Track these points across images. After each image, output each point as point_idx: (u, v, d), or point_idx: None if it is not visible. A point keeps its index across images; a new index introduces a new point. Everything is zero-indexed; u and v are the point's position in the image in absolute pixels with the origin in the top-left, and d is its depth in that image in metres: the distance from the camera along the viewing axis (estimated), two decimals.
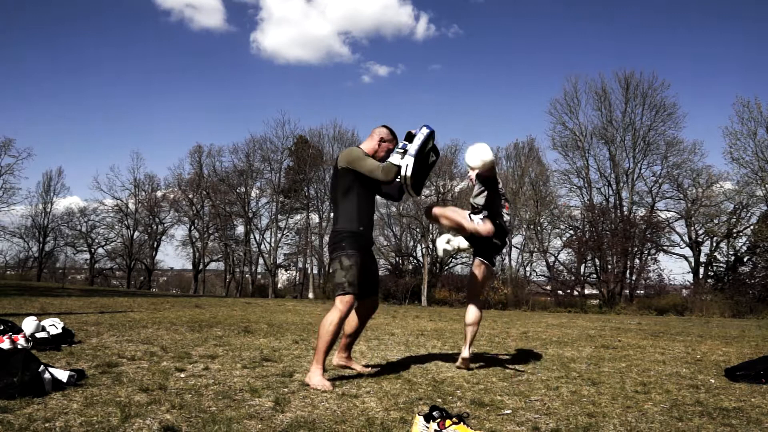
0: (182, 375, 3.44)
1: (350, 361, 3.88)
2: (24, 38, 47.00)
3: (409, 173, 3.36)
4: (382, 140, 3.71)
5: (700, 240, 27.06)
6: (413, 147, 3.40)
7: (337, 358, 3.87)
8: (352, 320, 3.79)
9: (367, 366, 3.96)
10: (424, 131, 3.45)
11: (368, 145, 3.74)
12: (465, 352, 4.07)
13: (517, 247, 30.56)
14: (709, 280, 25.97)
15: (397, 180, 3.48)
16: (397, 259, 31.78)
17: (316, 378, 3.29)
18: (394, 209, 31.03)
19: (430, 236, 30.70)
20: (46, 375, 2.80)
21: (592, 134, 28.53)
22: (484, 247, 4.20)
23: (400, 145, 3.49)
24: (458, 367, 4.11)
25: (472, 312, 4.23)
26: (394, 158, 3.43)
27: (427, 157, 3.55)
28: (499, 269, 30.49)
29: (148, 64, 50.90)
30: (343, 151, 3.67)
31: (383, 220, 31.30)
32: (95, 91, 49.66)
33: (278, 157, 33.61)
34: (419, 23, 49.43)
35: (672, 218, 27.92)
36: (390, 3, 48.57)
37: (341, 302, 3.43)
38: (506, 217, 4.25)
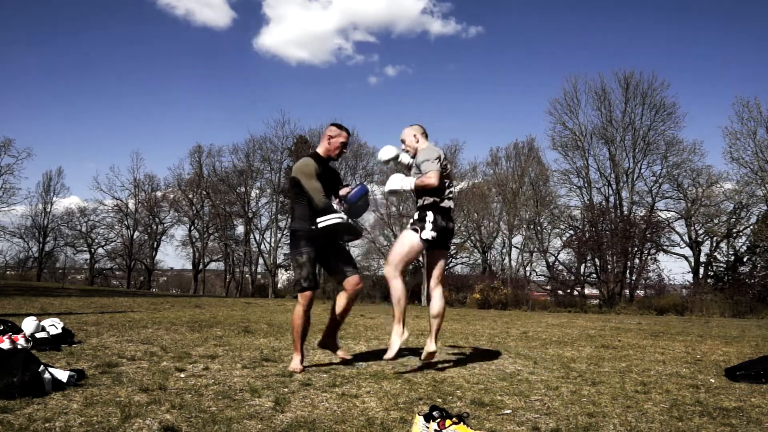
0: (182, 375, 3.44)
1: (335, 342, 4.22)
2: (24, 38, 47.03)
3: (326, 224, 3.76)
4: (330, 137, 4.01)
5: (700, 240, 27.07)
6: (346, 205, 3.85)
7: (323, 338, 4.24)
8: (340, 301, 4.12)
9: (347, 355, 4.23)
10: (361, 189, 3.90)
11: (322, 146, 4.04)
12: (432, 345, 3.92)
13: (517, 247, 30.55)
14: (709, 280, 25.96)
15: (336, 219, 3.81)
16: None
17: (293, 363, 3.82)
18: (394, 209, 31.05)
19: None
20: (46, 375, 2.80)
21: (592, 134, 28.56)
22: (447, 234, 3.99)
23: (340, 197, 3.89)
24: (423, 360, 3.97)
25: (437, 301, 3.97)
26: (333, 213, 3.79)
27: (357, 207, 3.95)
28: (499, 269, 30.53)
29: (148, 63, 50.87)
30: (298, 162, 3.97)
31: (383, 221, 31.32)
32: (95, 91, 49.63)
33: (278, 157, 33.63)
34: (418, 23, 49.38)
35: (672, 218, 27.94)
36: (392, 1, 48.57)
37: (301, 297, 3.86)
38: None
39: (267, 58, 48.75)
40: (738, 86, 48.39)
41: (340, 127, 4.06)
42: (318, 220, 3.77)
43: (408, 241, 3.83)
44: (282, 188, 33.61)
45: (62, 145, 52.32)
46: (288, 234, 4.25)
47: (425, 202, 3.88)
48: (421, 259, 29.76)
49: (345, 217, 3.77)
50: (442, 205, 3.89)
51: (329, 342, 4.20)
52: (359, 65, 49.41)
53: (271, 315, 9.36)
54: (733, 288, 22.54)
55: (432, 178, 3.74)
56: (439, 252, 4.03)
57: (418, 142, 4.05)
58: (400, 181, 3.91)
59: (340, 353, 4.21)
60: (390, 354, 3.80)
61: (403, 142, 4.13)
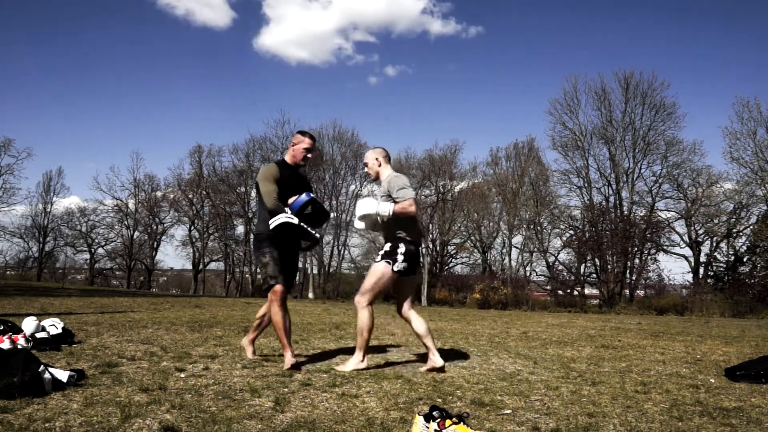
0: (182, 375, 3.44)
1: (251, 345, 4.34)
2: (24, 38, 47.03)
3: (274, 224, 3.79)
4: (293, 145, 4.11)
5: (700, 240, 27.08)
6: (292, 210, 3.90)
7: (246, 337, 4.40)
8: (264, 310, 4.23)
9: (262, 356, 4.30)
10: (302, 198, 3.91)
11: (288, 153, 4.13)
12: (439, 360, 3.93)
13: (517, 247, 30.57)
14: (709, 280, 25.96)
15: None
16: None
17: (287, 360, 3.81)
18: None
19: (430, 236, 30.71)
20: (46, 375, 2.80)
21: (592, 134, 28.58)
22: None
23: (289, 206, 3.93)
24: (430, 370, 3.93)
25: (418, 320, 4.01)
26: (281, 213, 3.82)
27: (305, 215, 3.94)
28: (499, 269, 30.53)
29: (148, 63, 50.94)
30: (262, 167, 4.07)
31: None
32: (95, 91, 49.70)
33: (278, 157, 33.62)
34: (418, 23, 49.33)
35: (672, 218, 27.95)
36: (392, 1, 48.54)
37: (273, 294, 3.91)
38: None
39: (267, 58, 48.86)
40: (738, 86, 48.50)
41: (303, 133, 4.13)
42: (269, 222, 3.82)
43: (381, 273, 3.91)
44: None
45: (62, 145, 52.42)
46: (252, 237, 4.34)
47: (397, 235, 3.94)
48: (420, 259, 29.62)
49: (294, 219, 3.80)
50: (412, 237, 3.95)
51: (249, 342, 4.36)
52: (359, 65, 49.48)
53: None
54: (733, 288, 22.55)
55: (413, 206, 3.86)
56: (410, 279, 4.08)
57: (380, 165, 4.13)
58: (375, 206, 3.89)
59: (249, 351, 4.31)
60: (341, 368, 3.86)
61: (365, 165, 4.21)
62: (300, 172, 4.20)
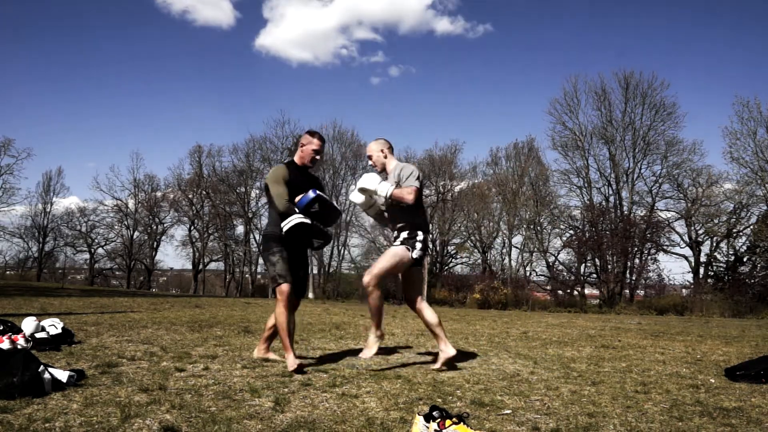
0: (182, 375, 3.44)
1: (268, 353, 4.20)
2: (24, 38, 47.03)
3: (288, 226, 3.77)
4: (302, 145, 4.03)
5: (700, 240, 27.07)
6: (299, 208, 3.85)
7: (257, 351, 4.24)
8: (272, 317, 4.11)
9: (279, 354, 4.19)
10: (309, 195, 3.84)
11: (297, 155, 4.06)
12: (451, 349, 3.96)
13: (517, 247, 30.58)
14: (709, 280, 25.95)
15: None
16: None
17: (288, 360, 3.76)
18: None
19: (430, 236, 30.69)
20: (46, 375, 2.80)
21: (592, 134, 28.56)
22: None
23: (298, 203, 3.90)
24: (440, 369, 3.95)
25: (431, 312, 4.05)
26: (294, 215, 3.81)
27: (314, 213, 3.90)
28: (499, 269, 30.53)
29: (148, 63, 50.92)
30: (271, 168, 4.01)
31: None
32: (95, 91, 49.70)
33: (278, 157, 33.58)
34: (422, 21, 49.31)
35: (672, 218, 27.95)
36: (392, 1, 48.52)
37: (279, 293, 3.86)
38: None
39: (268, 58, 48.81)
40: (738, 86, 48.47)
41: (312, 134, 4.04)
42: (282, 224, 3.78)
43: (399, 257, 3.84)
44: None
45: (62, 145, 52.42)
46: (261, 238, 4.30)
47: (415, 220, 3.95)
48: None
49: (307, 220, 3.78)
50: (425, 226, 4.00)
51: (264, 350, 4.22)
52: (363, 66, 49.43)
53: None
54: (733, 288, 22.54)
55: (411, 195, 3.83)
56: (417, 270, 4.10)
57: (386, 157, 4.12)
58: (376, 183, 3.88)
59: (273, 356, 4.16)
60: (367, 354, 3.83)
61: (369, 158, 4.16)
62: (310, 173, 4.12)
